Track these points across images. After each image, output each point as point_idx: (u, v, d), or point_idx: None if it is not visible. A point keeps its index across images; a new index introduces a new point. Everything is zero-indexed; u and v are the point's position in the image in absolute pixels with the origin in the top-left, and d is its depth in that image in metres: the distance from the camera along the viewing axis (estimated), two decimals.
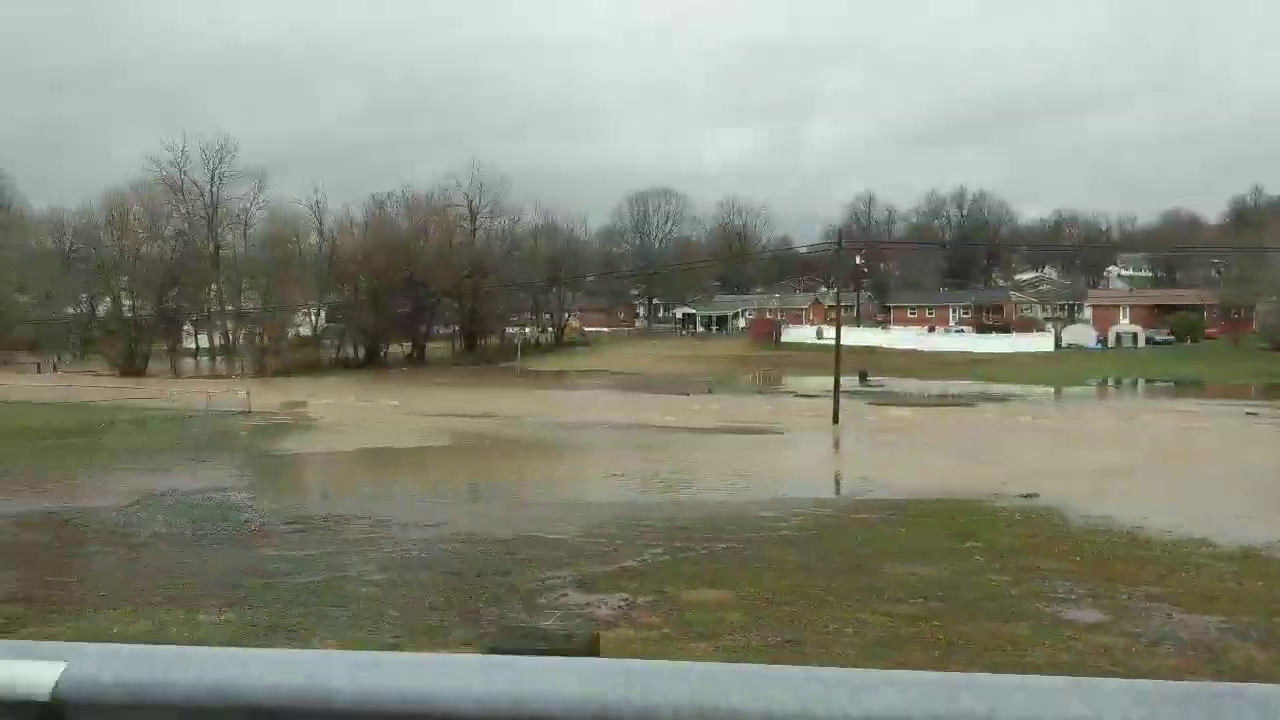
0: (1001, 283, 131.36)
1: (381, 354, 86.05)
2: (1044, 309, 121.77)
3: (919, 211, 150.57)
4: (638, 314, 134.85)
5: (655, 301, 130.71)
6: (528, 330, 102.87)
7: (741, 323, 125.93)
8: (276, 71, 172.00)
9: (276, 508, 20.43)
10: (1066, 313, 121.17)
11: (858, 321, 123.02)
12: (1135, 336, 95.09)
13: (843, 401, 40.49)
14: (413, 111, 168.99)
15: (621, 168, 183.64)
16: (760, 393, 61.34)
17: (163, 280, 73.75)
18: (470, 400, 50.02)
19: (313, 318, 76.80)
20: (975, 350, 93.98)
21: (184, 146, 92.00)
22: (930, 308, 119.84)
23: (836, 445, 34.48)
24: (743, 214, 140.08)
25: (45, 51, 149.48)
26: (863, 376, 68.10)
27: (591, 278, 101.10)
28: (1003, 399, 56.77)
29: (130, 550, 15.86)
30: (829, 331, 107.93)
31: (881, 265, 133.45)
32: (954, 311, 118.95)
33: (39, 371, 75.13)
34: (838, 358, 41.10)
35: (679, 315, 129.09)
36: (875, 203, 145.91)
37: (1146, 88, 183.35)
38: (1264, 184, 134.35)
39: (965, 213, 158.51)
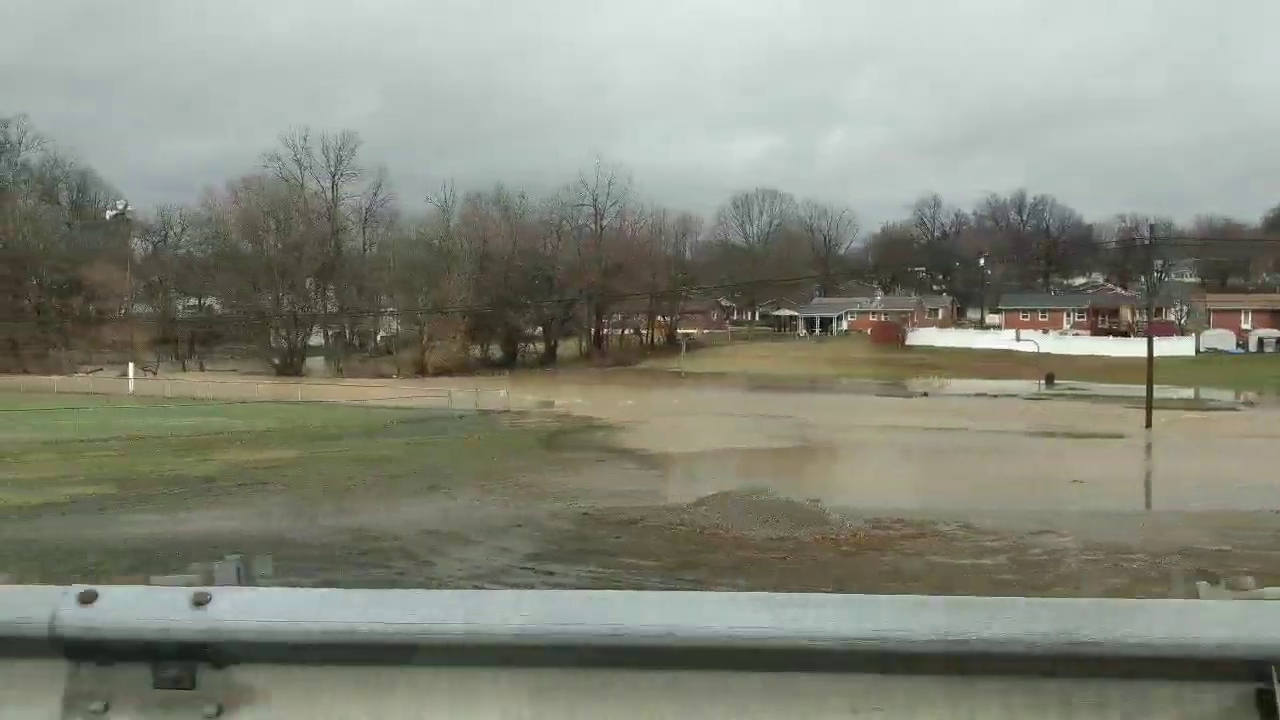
0: (1113, 286, 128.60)
1: (520, 354, 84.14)
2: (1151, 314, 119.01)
3: (976, 215, 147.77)
4: (728, 316, 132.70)
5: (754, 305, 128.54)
6: (642, 331, 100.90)
7: (844, 325, 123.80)
8: (289, 74, 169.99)
9: (856, 506, 18.55)
10: (1180, 318, 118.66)
11: (955, 323, 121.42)
12: (1278, 341, 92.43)
13: (1094, 407, 38.46)
14: (431, 113, 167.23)
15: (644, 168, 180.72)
16: (980, 395, 58.62)
17: (317, 278, 71.75)
18: (705, 402, 48.05)
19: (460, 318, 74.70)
20: (1111, 354, 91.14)
21: (305, 142, 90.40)
22: (1043, 310, 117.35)
23: (1213, 451, 32.26)
24: (828, 215, 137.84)
25: (61, 54, 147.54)
26: (1049, 380, 65.88)
27: (726, 282, 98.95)
28: (1232, 406, 54.63)
29: None
30: (949, 335, 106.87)
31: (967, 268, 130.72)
32: (1068, 315, 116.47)
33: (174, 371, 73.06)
34: (1150, 363, 39.04)
35: (775, 318, 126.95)
36: (941, 205, 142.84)
37: (1171, 93, 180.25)
38: None
39: (1025, 216, 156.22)
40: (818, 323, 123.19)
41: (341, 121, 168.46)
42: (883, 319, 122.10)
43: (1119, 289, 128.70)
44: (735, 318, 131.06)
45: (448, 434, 33.91)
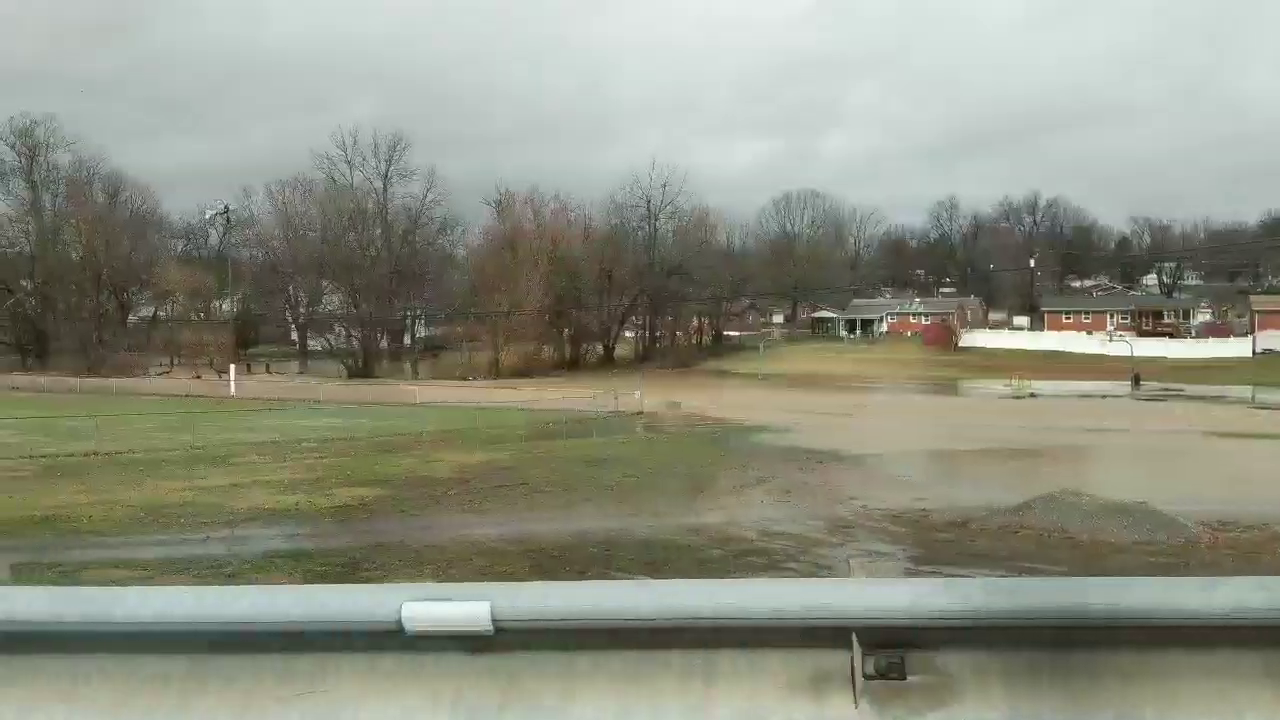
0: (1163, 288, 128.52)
1: (583, 354, 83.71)
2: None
3: (989, 217, 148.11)
4: (765, 317, 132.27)
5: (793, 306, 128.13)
6: (691, 333, 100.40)
7: (883, 327, 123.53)
8: (286, 77, 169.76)
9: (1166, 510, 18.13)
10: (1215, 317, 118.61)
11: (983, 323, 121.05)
12: None
13: (1211, 408, 37.97)
14: (431, 116, 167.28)
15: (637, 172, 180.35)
16: (1085, 396, 58.18)
17: (390, 279, 71.10)
18: (821, 404, 47.60)
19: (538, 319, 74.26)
20: (1171, 356, 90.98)
21: (355, 141, 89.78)
22: (1086, 312, 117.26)
23: None
24: (856, 214, 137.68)
25: (63, 57, 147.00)
26: (1136, 381, 65.58)
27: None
28: None
29: None
30: (1002, 337, 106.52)
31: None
32: (1112, 316, 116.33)
33: (241, 373, 72.32)
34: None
35: (813, 320, 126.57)
36: (959, 208, 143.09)
37: (1167, 98, 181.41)
38: None
39: (1039, 219, 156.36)
40: (858, 324, 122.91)
41: (342, 123, 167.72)
42: (923, 320, 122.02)
43: (1135, 290, 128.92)
44: (767, 319, 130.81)
45: (623, 433, 33.46)
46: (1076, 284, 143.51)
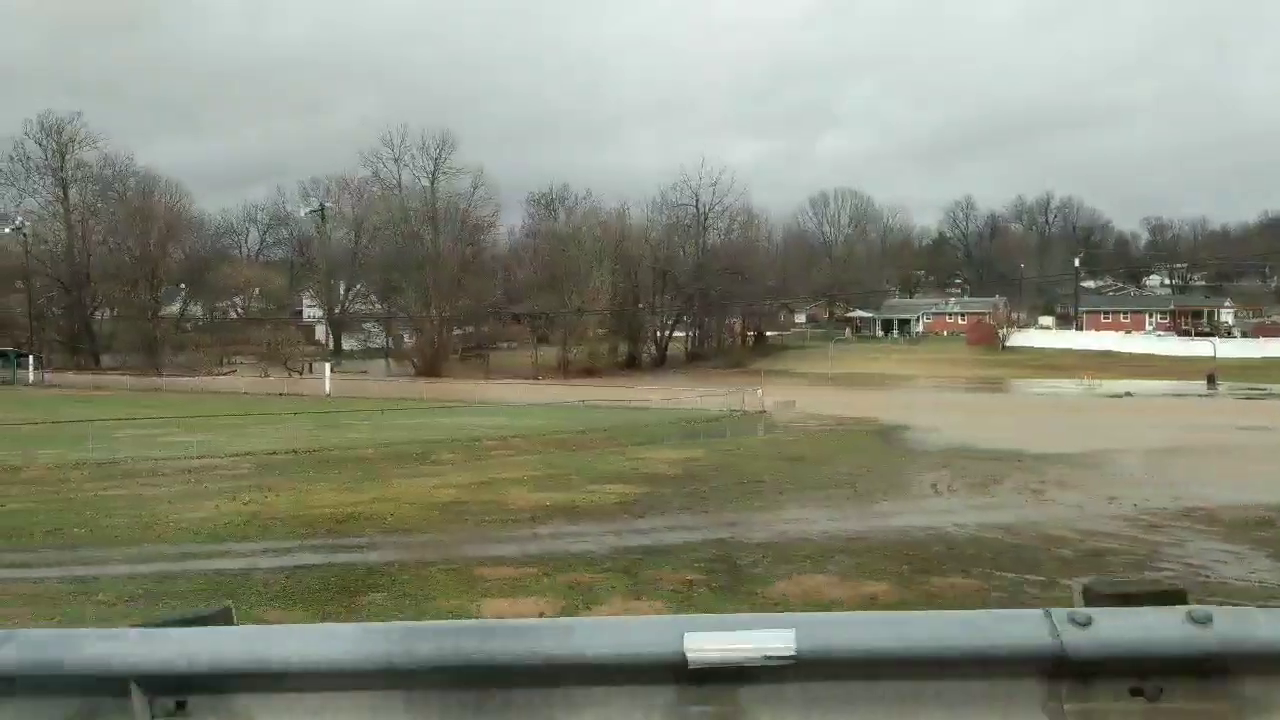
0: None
1: (640, 354, 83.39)
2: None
3: (1003, 218, 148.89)
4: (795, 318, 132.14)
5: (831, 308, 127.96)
6: (737, 333, 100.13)
7: (919, 327, 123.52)
8: (282, 79, 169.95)
9: None
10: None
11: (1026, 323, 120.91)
12: None
13: None
14: (424, 116, 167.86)
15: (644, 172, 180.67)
16: (1177, 395, 57.84)
17: (457, 278, 70.70)
18: (923, 403, 47.28)
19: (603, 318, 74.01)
20: (1221, 355, 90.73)
21: (404, 140, 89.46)
22: (1125, 312, 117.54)
23: None
24: (882, 212, 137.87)
25: (54, 57, 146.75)
26: (1211, 380, 65.53)
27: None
28: None
29: None
30: (1048, 337, 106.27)
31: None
32: (1151, 316, 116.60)
33: (303, 373, 71.77)
34: None
35: (849, 320, 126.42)
36: (975, 208, 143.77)
37: (1164, 100, 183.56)
38: None
39: (1051, 219, 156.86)
40: (895, 325, 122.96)
41: (337, 125, 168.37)
42: (960, 320, 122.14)
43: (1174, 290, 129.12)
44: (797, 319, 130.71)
45: (781, 431, 33.13)
46: (1090, 285, 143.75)
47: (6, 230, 72.26)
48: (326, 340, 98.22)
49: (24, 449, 23.80)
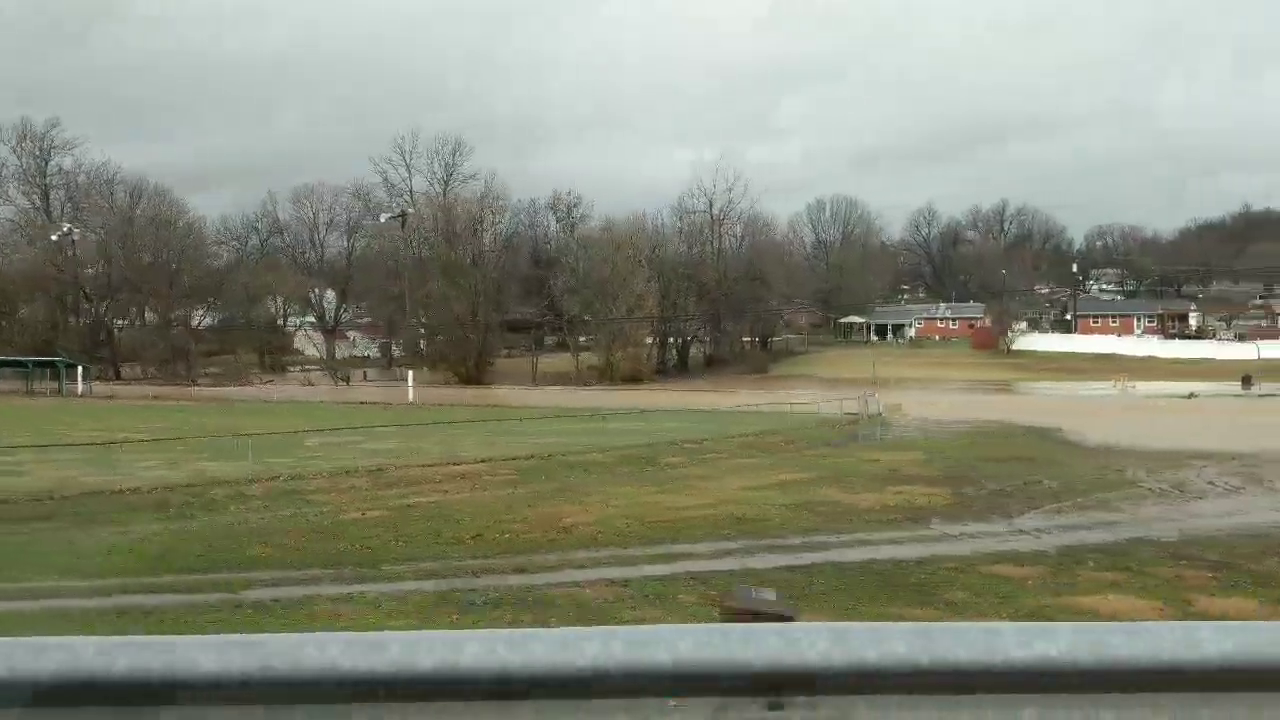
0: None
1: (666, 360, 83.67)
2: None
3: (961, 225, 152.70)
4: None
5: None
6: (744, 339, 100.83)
7: (912, 331, 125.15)
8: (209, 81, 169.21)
9: None
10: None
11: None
12: None
13: None
14: (364, 121, 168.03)
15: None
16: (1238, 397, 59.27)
17: (499, 284, 70.45)
18: (1007, 405, 48.18)
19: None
20: (1215, 357, 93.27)
21: (414, 147, 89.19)
22: (1114, 316, 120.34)
23: None
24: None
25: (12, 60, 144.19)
26: (1245, 381, 67.41)
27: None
28: None
29: None
30: (1052, 340, 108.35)
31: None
32: (1139, 320, 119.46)
33: (349, 381, 71.24)
34: None
35: (842, 325, 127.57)
36: (938, 216, 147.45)
37: (1097, 112, 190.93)
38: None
39: (1008, 227, 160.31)
40: (889, 329, 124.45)
41: (282, 129, 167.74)
42: (950, 325, 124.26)
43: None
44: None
45: (948, 436, 33.57)
46: (1045, 289, 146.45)
47: (53, 238, 70.63)
48: (330, 349, 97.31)
49: (262, 461, 23.52)
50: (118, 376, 74.83)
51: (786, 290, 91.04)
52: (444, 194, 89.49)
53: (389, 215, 65.76)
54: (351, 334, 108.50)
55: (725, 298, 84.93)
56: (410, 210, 67.11)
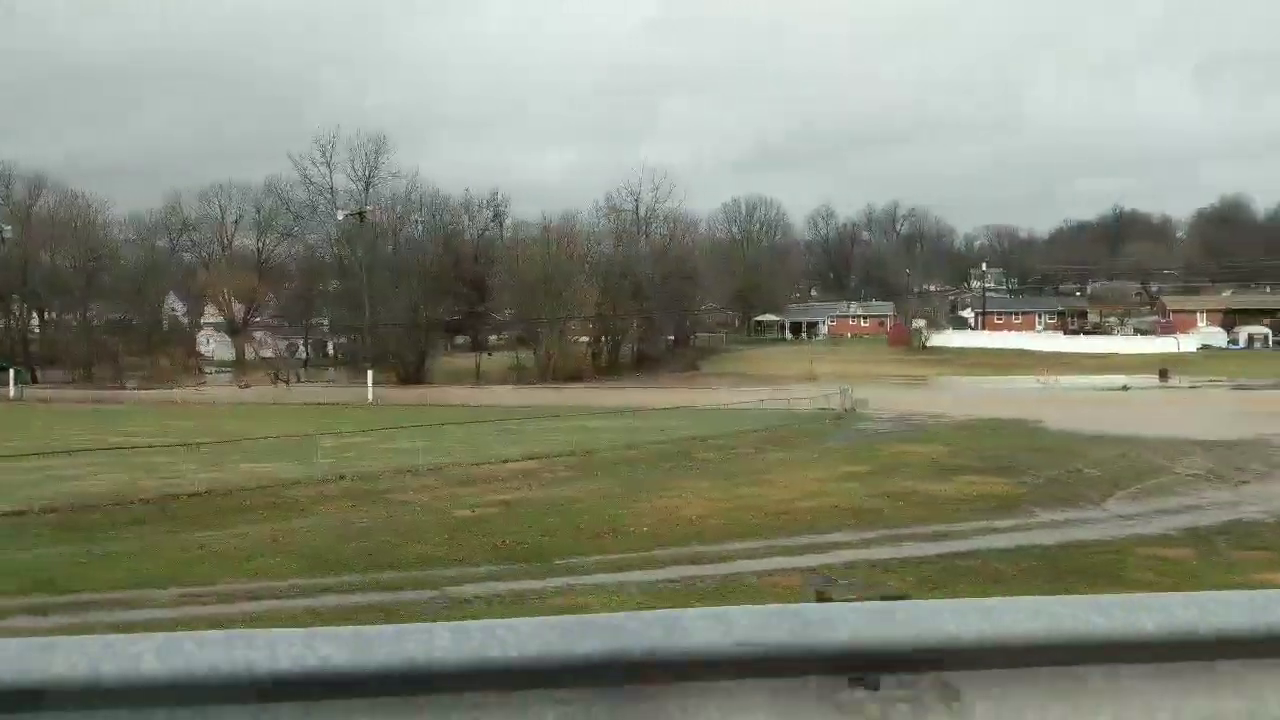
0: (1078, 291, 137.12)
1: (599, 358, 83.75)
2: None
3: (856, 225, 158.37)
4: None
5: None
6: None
7: (824, 330, 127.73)
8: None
9: None
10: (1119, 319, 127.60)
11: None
12: (1267, 338, 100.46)
13: None
14: (242, 121, 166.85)
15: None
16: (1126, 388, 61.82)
17: (438, 283, 69.51)
18: (968, 400, 49.57)
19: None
20: (1122, 351, 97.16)
21: (334, 144, 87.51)
22: (1017, 313, 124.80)
23: None
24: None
25: None
26: (1163, 374, 70.46)
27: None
28: None
29: None
30: (964, 337, 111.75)
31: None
32: (1040, 317, 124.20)
33: (290, 383, 69.57)
34: None
35: (757, 323, 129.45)
36: (835, 216, 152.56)
37: (974, 118, 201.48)
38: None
39: (901, 227, 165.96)
40: (803, 327, 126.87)
41: (152, 127, 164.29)
42: (861, 323, 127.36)
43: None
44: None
45: (945, 430, 34.32)
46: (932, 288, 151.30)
47: None
48: (239, 350, 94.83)
49: (308, 462, 23.04)
50: (34, 380, 71.65)
51: (714, 288, 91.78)
52: (365, 191, 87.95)
53: (346, 212, 64.29)
54: (259, 334, 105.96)
55: (658, 296, 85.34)
56: (370, 208, 65.68)
